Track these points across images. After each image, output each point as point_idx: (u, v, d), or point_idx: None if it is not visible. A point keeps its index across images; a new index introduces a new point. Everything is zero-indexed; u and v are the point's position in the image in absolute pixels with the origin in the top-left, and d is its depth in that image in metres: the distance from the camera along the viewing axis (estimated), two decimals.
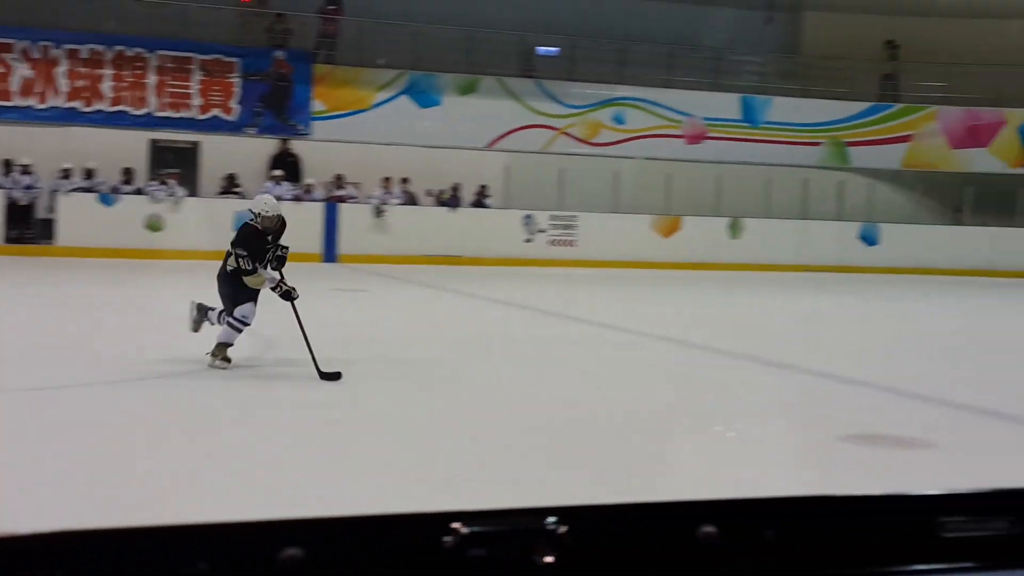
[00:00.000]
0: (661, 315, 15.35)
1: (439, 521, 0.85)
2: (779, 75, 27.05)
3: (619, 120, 25.06)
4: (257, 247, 8.81)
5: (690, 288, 19.93)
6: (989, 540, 0.86)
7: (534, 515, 0.85)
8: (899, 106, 26.71)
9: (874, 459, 6.49)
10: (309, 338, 8.65)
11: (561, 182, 23.98)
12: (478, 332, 12.52)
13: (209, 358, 8.84)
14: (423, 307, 15.73)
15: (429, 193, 23.57)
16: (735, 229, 24.59)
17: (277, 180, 22.23)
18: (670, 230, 24.21)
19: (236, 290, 8.88)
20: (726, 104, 25.69)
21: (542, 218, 23.39)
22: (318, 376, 8.41)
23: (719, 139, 25.56)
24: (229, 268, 8.87)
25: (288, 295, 8.86)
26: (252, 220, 8.94)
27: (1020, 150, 26.72)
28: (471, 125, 24.07)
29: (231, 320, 8.87)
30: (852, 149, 26.38)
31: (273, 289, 8.88)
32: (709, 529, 0.84)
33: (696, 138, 25.50)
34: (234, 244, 8.88)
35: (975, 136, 26.70)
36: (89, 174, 21.39)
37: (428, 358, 9.95)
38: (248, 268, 8.74)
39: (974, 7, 26.59)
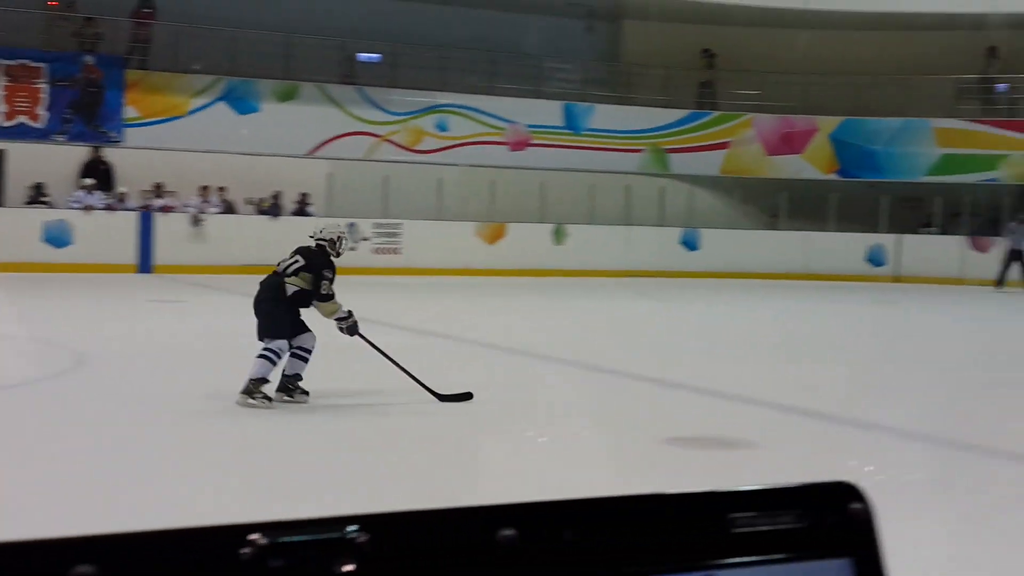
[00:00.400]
0: (484, 322, 15.37)
1: (237, 533, 0.83)
2: (600, 83, 27.44)
3: (442, 127, 25.04)
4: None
5: (514, 294, 19.98)
6: (777, 534, 0.91)
7: (334, 524, 0.84)
8: (716, 114, 27.39)
9: (697, 460, 6.57)
10: (401, 363, 8.36)
11: (385, 190, 23.81)
12: None
13: (242, 397, 8.00)
14: (241, 319, 15.30)
15: (249, 201, 23.12)
16: (559, 235, 24.82)
17: (88, 189, 21.50)
18: (495, 237, 24.29)
19: (296, 317, 8.28)
20: (549, 111, 25.93)
21: (366, 226, 23.16)
22: (438, 400, 8.09)
23: (542, 146, 25.78)
24: (291, 291, 8.21)
25: (354, 329, 8.42)
26: (322, 244, 8.44)
27: (832, 157, 27.66)
28: (291, 132, 23.71)
29: (275, 349, 8.12)
30: (672, 156, 26.94)
31: (341, 320, 8.36)
32: (508, 532, 0.86)
33: (519, 145, 25.66)
34: (318, 267, 8.23)
35: (789, 143, 27.56)
36: None
37: (241, 369, 9.68)
38: (331, 294, 8.24)
39: (787, 18, 27.44)
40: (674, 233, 25.88)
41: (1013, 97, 28.04)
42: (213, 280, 20.11)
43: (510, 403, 8.43)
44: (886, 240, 26.48)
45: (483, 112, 25.34)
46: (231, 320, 14.92)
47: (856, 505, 0.94)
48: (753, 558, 0.90)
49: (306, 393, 8.25)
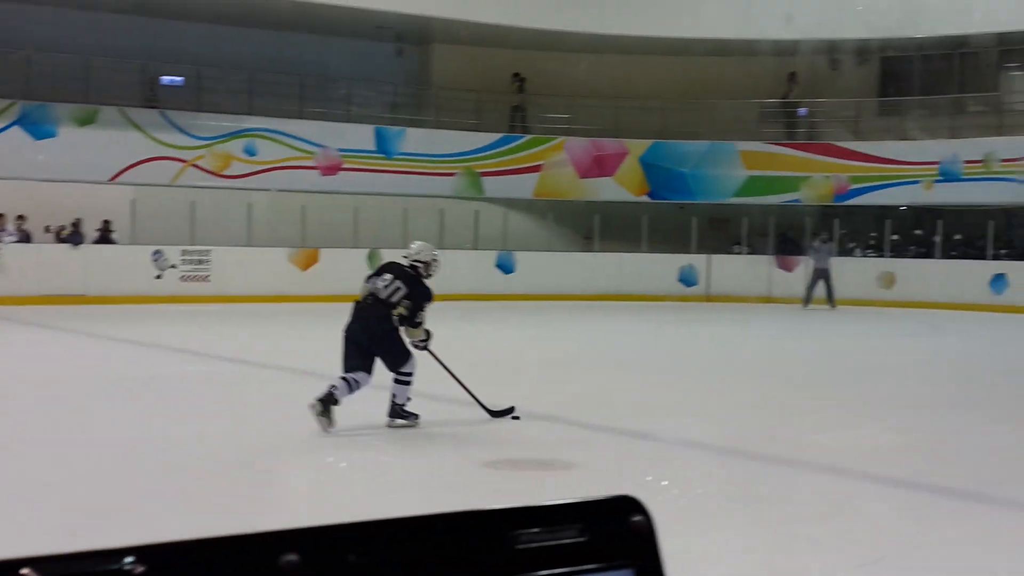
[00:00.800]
0: (293, 348, 15.07)
1: (7, 569, 0.80)
2: (410, 106, 27.37)
3: (250, 152, 24.55)
4: None
5: (326, 321, 19.55)
6: (560, 548, 0.94)
7: (110, 556, 0.83)
8: (528, 137, 27.62)
9: (505, 479, 6.57)
10: (460, 378, 8.91)
11: (192, 216, 23.17)
12: (96, 374, 11.97)
13: (390, 420, 8.56)
14: (42, 350, 14.69)
15: (48, 229, 22.21)
16: (374, 260, 24.51)
17: None
18: (308, 263, 23.91)
19: (403, 343, 8.61)
20: (359, 135, 25.72)
21: (173, 253, 22.50)
22: (489, 415, 8.65)
23: (354, 170, 25.53)
24: (396, 320, 8.57)
25: (428, 346, 8.82)
26: (416, 266, 8.77)
27: (642, 179, 28.17)
28: (92, 158, 22.91)
29: (408, 376, 8.55)
30: (485, 179, 27.01)
31: (422, 340, 8.74)
32: (291, 558, 0.85)
33: (331, 169, 25.34)
34: (420, 297, 8.63)
35: (601, 166, 27.96)
36: None
37: (38, 402, 9.27)
38: (423, 322, 8.64)
39: (594, 43, 27.88)
40: (489, 256, 25.92)
41: (813, 121, 29.09)
42: (11, 312, 19.22)
43: (314, 427, 8.14)
44: (696, 260, 27.06)
45: (292, 136, 24.96)
46: (27, 353, 14.29)
47: (637, 518, 0.98)
48: (536, 573, 0.92)
49: (416, 416, 8.66)
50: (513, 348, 16.37)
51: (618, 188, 28.05)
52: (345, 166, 25.51)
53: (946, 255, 26.94)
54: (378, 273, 8.76)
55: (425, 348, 8.78)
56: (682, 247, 27.16)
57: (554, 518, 0.95)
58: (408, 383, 8.51)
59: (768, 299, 26.26)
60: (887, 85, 30.05)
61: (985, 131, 27.10)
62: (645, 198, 28.17)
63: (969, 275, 25.77)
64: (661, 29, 27.28)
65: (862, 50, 29.33)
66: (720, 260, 27.10)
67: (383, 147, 25.97)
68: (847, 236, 27.98)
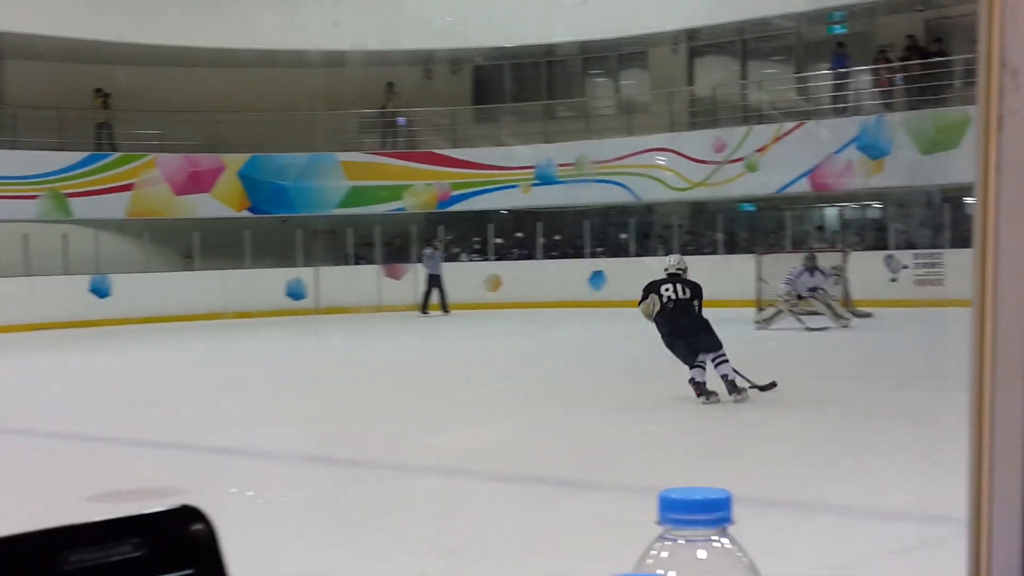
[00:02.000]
0: None
1: None
2: None
3: None
4: None
5: None
6: (114, 564, 0.94)
7: None
8: (117, 155, 26.50)
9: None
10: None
11: None
12: None
13: (736, 396, 10.20)
14: None
15: None
16: None
17: None
18: None
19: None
20: None
21: None
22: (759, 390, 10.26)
23: None
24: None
25: None
26: (681, 271, 10.73)
27: (242, 194, 27.60)
28: None
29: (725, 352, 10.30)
30: (73, 200, 25.63)
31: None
32: None
33: None
34: (701, 292, 10.60)
35: (196, 182, 27.17)
36: None
37: None
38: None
39: (183, 56, 27.11)
40: (82, 281, 24.57)
41: (412, 130, 29.49)
42: None
43: None
44: (304, 273, 26.77)
45: None
46: None
47: (198, 526, 0.99)
48: None
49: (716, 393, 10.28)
50: (115, 375, 15.53)
51: (217, 204, 27.35)
52: None
53: (547, 255, 27.98)
54: (663, 284, 10.55)
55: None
56: (288, 261, 26.79)
57: (107, 535, 0.94)
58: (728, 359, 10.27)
59: (379, 308, 26.33)
60: (481, 93, 30.95)
61: (575, 135, 28.40)
62: (246, 213, 27.61)
63: (570, 273, 26.86)
64: (250, 41, 26.80)
65: (455, 60, 30.07)
66: (328, 272, 26.92)
67: None
68: (453, 242, 28.54)
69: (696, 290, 10.56)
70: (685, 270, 10.75)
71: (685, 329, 10.38)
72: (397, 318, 24.70)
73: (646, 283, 10.64)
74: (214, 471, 7.85)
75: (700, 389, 10.16)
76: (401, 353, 17.82)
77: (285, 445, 8.76)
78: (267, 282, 26.30)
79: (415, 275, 26.29)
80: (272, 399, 11.89)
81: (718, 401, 10.12)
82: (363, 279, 26.94)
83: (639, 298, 10.52)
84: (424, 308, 25.17)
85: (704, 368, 10.22)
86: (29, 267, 24.32)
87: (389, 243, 28.26)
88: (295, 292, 26.62)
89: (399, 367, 15.35)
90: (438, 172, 28.50)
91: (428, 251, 25.82)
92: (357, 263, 27.69)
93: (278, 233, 27.04)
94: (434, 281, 25.31)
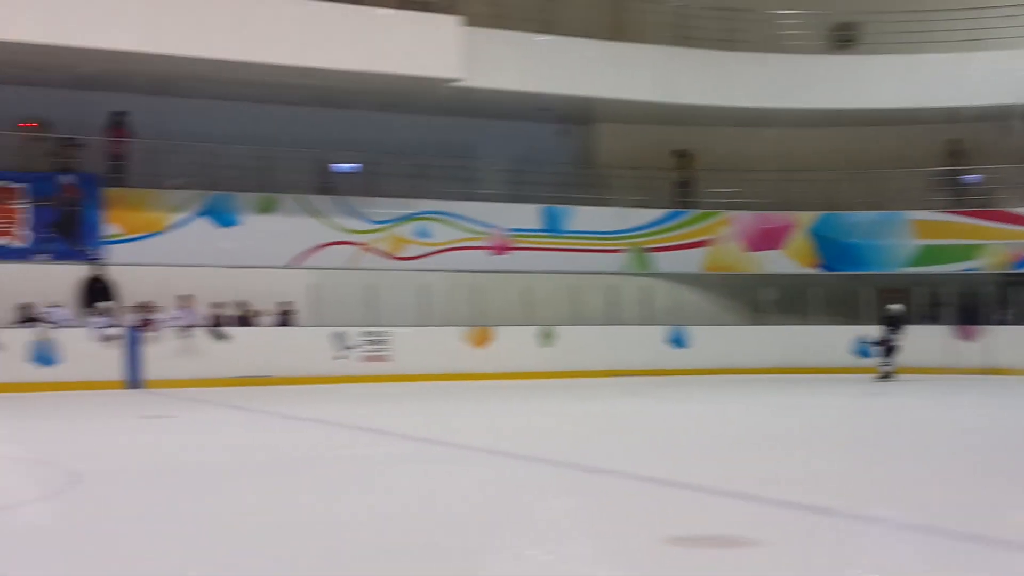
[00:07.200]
0: (477, 426, 15.47)
1: None
2: (576, 185, 28.48)
3: (423, 234, 25.93)
4: None
5: (505, 398, 20.32)
6: None
7: None
8: (695, 212, 28.48)
9: (700, 560, 6.46)
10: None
11: (370, 297, 24.54)
12: (288, 453, 12.14)
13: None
14: (233, 430, 15.29)
15: (251, 312, 23.75)
16: (547, 337, 25.56)
17: (103, 312, 22.12)
18: (482, 340, 25.00)
19: None
20: (527, 214, 26.95)
21: (353, 334, 23.81)
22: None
23: (524, 249, 26.71)
24: None
25: None
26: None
27: (812, 251, 28.76)
28: (273, 244, 24.55)
29: None
30: (654, 255, 27.92)
31: None
32: None
33: (502, 249, 26.56)
34: None
35: (768, 239, 28.66)
36: None
37: (238, 483, 9.58)
38: None
39: (757, 117, 28.71)
40: (661, 331, 26.71)
41: (986, 188, 29.31)
42: (203, 394, 20.58)
43: (508, 511, 8.28)
44: (870, 332, 27.32)
45: (463, 217, 26.28)
46: (223, 433, 15.04)
47: None
48: None
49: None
50: (689, 422, 16.41)
51: (787, 260, 28.69)
52: (515, 245, 26.71)
53: None
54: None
55: None
56: (853, 318, 27.52)
57: None
58: None
59: (954, 370, 26.25)
60: None
61: None
62: (816, 270, 28.70)
63: None
64: (824, 101, 28.02)
65: None
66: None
67: (552, 225, 27.14)
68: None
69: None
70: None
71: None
72: (975, 381, 24.39)
73: None
74: (787, 525, 7.70)
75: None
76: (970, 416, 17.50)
77: (888, 513, 8.17)
78: (833, 339, 27.20)
79: (990, 336, 26.12)
80: (849, 459, 11.51)
81: None
82: (934, 339, 27.01)
83: None
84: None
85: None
86: (614, 316, 26.82)
87: (963, 304, 28.18)
88: (863, 350, 27.27)
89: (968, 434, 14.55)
90: (1012, 231, 28.15)
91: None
92: (930, 322, 27.80)
93: (844, 290, 27.91)
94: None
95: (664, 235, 28.14)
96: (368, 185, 26.29)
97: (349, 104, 26.96)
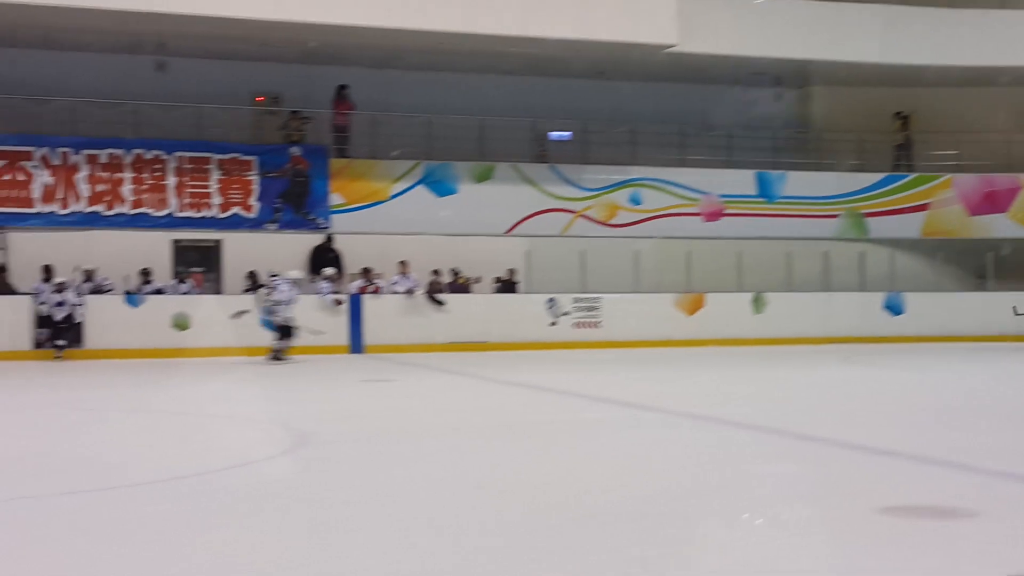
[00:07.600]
0: (689, 393, 15.55)
1: None
2: (791, 150, 28.28)
3: (635, 201, 26.19)
4: None
5: (717, 365, 20.36)
6: None
7: None
8: (913, 175, 27.94)
9: (915, 531, 6.36)
10: None
11: (582, 264, 25.01)
12: (502, 417, 12.40)
13: None
14: (449, 394, 15.72)
15: (469, 280, 24.46)
16: (758, 304, 25.54)
17: (330, 278, 23.14)
18: (694, 308, 25.17)
19: None
20: (741, 180, 26.90)
21: (565, 301, 24.30)
22: None
23: (737, 215, 26.75)
24: None
25: None
26: None
27: None
28: (489, 212, 25.21)
29: None
30: (870, 219, 27.51)
31: None
32: None
33: (713, 215, 26.63)
34: None
35: (992, 202, 27.89)
36: (89, 276, 22.26)
37: (452, 444, 9.86)
38: None
39: (981, 76, 27.91)
40: (876, 298, 26.37)
41: None
42: (421, 359, 21.33)
43: (722, 477, 8.29)
44: None
45: (675, 184, 26.45)
46: (437, 395, 15.58)
47: None
48: None
49: None
50: (911, 391, 16.03)
51: (1013, 224, 27.89)
52: (728, 211, 26.74)
53: None
54: None
55: None
56: None
57: None
58: None
59: None
60: None
61: None
62: None
63: None
64: None
65: None
66: None
67: (765, 191, 27.04)
68: None
69: None
70: None
71: None
72: None
73: None
74: (1002, 498, 7.46)
75: None
76: None
77: None
78: None
79: None
80: None
81: None
82: None
83: None
84: None
85: None
86: (828, 283, 26.59)
87: None
88: None
89: None
90: None
91: None
92: None
93: None
94: None
95: (882, 199, 27.70)
96: (582, 152, 26.69)
97: (563, 72, 27.39)
